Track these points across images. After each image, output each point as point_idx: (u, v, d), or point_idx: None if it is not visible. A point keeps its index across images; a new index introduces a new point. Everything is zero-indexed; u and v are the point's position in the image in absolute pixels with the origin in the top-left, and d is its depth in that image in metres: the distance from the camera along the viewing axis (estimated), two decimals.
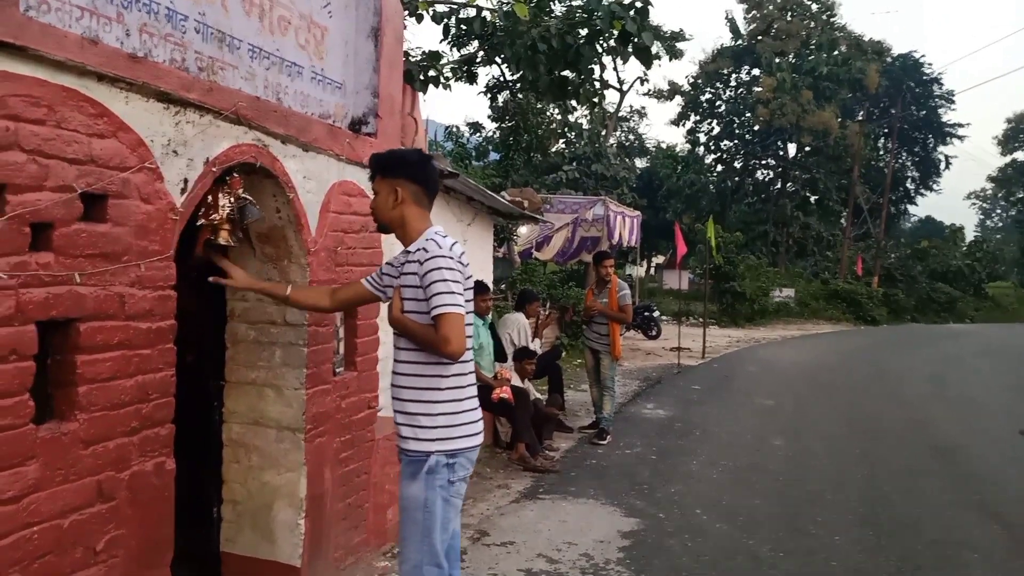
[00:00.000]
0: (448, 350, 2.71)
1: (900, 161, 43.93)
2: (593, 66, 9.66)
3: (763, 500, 6.13)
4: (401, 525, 2.84)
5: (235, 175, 3.25)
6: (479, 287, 7.01)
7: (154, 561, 2.81)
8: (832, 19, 39.76)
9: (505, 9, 8.17)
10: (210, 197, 3.18)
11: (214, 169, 3.06)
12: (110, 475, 2.58)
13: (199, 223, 3.22)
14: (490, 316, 7.12)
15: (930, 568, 4.83)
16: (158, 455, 2.80)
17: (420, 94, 7.51)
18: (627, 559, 4.76)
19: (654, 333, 18.72)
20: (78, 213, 2.43)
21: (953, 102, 43.10)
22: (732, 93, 41.45)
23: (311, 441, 3.78)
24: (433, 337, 2.73)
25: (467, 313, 2.82)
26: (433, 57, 8.14)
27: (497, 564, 4.56)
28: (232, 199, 3.25)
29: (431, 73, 7.89)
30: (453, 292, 2.72)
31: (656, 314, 19.44)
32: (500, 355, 7.36)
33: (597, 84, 11.88)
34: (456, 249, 2.84)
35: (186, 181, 2.92)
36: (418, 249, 2.84)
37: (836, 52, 37.95)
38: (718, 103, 41.88)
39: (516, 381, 7.27)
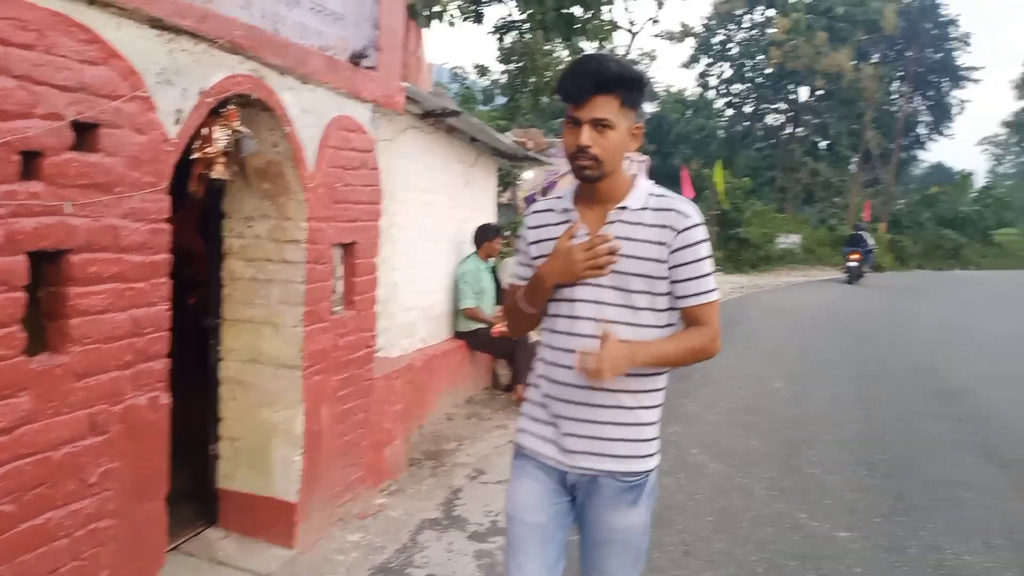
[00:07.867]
0: (718, 346, 2.11)
1: (913, 105, 43.25)
2: (602, 4, 9.43)
3: (760, 441, 6.16)
4: (610, 557, 2.15)
5: (231, 107, 3.20)
6: (494, 230, 6.97)
7: (148, 494, 2.82)
8: None
9: None
10: (205, 129, 3.13)
11: (209, 100, 2.99)
12: (103, 408, 2.57)
13: (194, 156, 3.17)
14: (492, 260, 7.09)
15: (923, 507, 4.87)
16: (152, 390, 2.79)
17: (425, 31, 7.37)
18: None
19: None
20: (69, 142, 2.38)
21: (969, 44, 42.35)
22: (745, 35, 40.77)
23: (309, 379, 3.78)
24: (696, 342, 2.07)
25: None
26: None
27: (493, 501, 4.60)
28: (228, 132, 3.19)
29: (435, 9, 7.72)
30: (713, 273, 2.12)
31: None
32: (500, 299, 7.36)
33: (606, 23, 11.58)
34: None
35: (180, 112, 2.85)
36: (660, 208, 2.07)
37: None
38: (730, 45, 41.24)
39: None
